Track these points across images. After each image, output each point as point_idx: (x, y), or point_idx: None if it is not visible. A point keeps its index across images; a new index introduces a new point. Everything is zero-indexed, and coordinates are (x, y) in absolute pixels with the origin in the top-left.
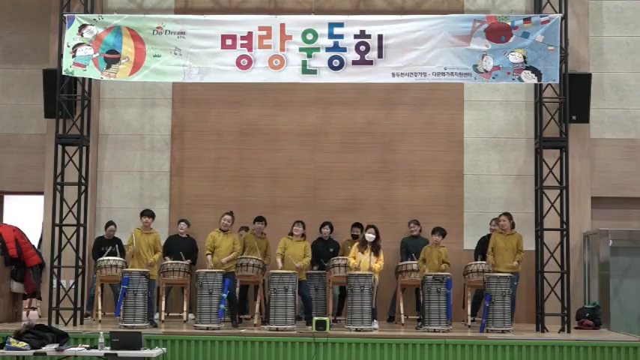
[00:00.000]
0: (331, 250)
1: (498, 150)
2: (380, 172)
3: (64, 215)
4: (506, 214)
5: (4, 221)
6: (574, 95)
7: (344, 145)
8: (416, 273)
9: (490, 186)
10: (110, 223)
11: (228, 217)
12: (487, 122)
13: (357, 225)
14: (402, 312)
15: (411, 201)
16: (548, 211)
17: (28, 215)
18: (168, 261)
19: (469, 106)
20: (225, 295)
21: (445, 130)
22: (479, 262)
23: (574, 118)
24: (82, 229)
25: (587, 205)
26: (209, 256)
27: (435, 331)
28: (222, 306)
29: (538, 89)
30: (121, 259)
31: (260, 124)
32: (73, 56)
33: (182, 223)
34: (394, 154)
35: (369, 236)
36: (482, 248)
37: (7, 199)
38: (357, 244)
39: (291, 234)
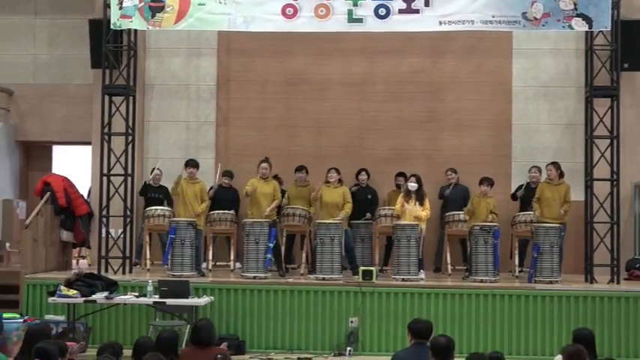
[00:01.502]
0: (369, 196)
1: (547, 99)
2: (426, 121)
3: (111, 165)
4: (554, 163)
5: (53, 171)
6: (626, 43)
7: (390, 94)
8: (463, 223)
9: (539, 135)
10: (156, 169)
11: (264, 164)
12: (536, 71)
13: (401, 175)
14: (448, 262)
15: (458, 151)
16: (598, 161)
17: (76, 165)
18: (215, 212)
19: (518, 54)
20: (271, 245)
21: (493, 79)
22: (527, 212)
23: (625, 66)
24: (129, 178)
25: (638, 155)
26: (248, 188)
27: (482, 281)
28: (268, 255)
29: (589, 37)
30: (168, 208)
31: (306, 74)
32: (120, 8)
33: (225, 177)
34: (441, 103)
35: (412, 185)
36: (515, 194)
37: (55, 149)
38: (401, 194)
39: (327, 182)
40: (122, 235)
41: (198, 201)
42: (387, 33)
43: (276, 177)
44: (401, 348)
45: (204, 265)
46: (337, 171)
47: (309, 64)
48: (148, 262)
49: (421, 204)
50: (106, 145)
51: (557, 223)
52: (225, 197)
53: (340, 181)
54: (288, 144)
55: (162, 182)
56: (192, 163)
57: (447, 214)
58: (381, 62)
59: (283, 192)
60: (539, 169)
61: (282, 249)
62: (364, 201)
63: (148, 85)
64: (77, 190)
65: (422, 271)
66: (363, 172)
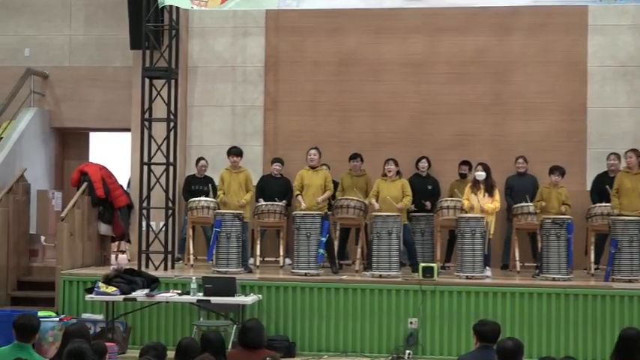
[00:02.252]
0: (429, 187)
1: (627, 79)
2: (492, 104)
3: (152, 153)
4: (634, 150)
5: (90, 160)
6: None
7: (452, 75)
8: (533, 216)
9: (617, 120)
10: (201, 158)
11: (313, 151)
12: (614, 49)
13: (465, 163)
14: (517, 259)
15: (526, 137)
16: None
17: (114, 154)
18: (263, 202)
19: (593, 31)
20: (324, 239)
21: (565, 59)
22: (603, 204)
23: None
24: (171, 167)
25: None
26: (299, 197)
27: (553, 279)
28: (321, 250)
29: None
30: (213, 199)
31: (361, 54)
32: None
33: (276, 163)
34: (507, 84)
35: (479, 174)
36: (598, 187)
37: (93, 136)
38: (469, 185)
39: (385, 175)
40: (164, 229)
41: (243, 191)
42: (449, 8)
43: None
44: (465, 352)
45: (251, 260)
46: (395, 162)
47: (364, 44)
48: (192, 257)
49: (490, 195)
50: (146, 131)
51: (638, 216)
52: (275, 187)
53: (399, 173)
54: (342, 130)
55: (207, 172)
56: (234, 151)
57: (516, 206)
58: (443, 41)
59: (335, 183)
60: (618, 157)
61: (336, 244)
62: (424, 191)
63: (191, 68)
64: (116, 181)
65: (488, 268)
66: (424, 160)
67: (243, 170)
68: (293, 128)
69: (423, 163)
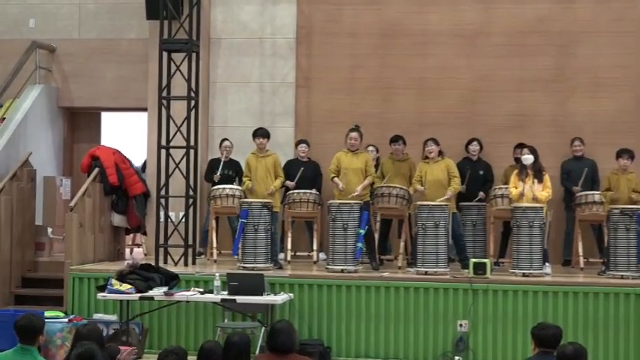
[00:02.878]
0: (481, 172)
1: None
2: (554, 80)
3: (171, 135)
4: None
5: (102, 143)
6: None
7: (509, 48)
8: (599, 206)
9: None
10: (225, 139)
11: (354, 134)
12: None
13: (522, 146)
14: (580, 254)
15: (593, 116)
16: None
17: (129, 136)
18: (295, 190)
19: None
20: (362, 231)
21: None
22: None
23: None
24: (192, 151)
25: None
26: (336, 179)
27: (622, 277)
28: (359, 244)
29: None
30: (238, 187)
31: (405, 24)
32: None
33: (302, 145)
34: (572, 58)
35: (526, 158)
36: None
37: (105, 116)
38: (515, 171)
39: (426, 157)
40: (184, 220)
41: (271, 178)
42: None
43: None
44: (521, 358)
45: (281, 255)
46: (435, 142)
47: (409, 12)
48: (215, 251)
49: (540, 181)
50: (164, 111)
51: None
52: (302, 173)
53: (441, 153)
54: (383, 110)
55: (233, 156)
56: (261, 133)
57: (579, 194)
58: (499, 8)
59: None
60: None
61: (376, 236)
62: (476, 178)
63: (213, 40)
64: (131, 166)
65: (547, 264)
66: (475, 143)
67: (271, 154)
68: (328, 108)
69: (474, 146)
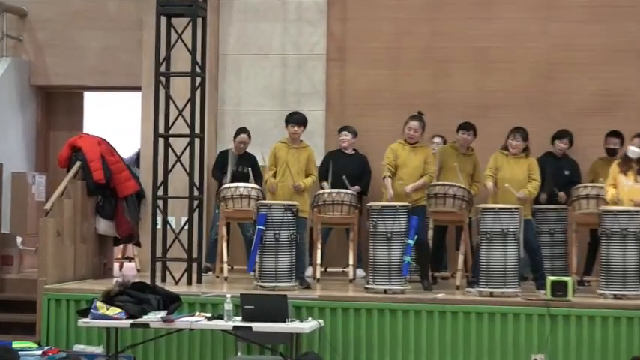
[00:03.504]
0: (566, 172)
1: None
2: None
3: (171, 121)
4: None
5: (85, 130)
6: None
7: (593, 10)
8: None
9: None
10: (241, 130)
11: (415, 123)
12: None
13: (615, 135)
14: None
15: None
16: None
17: (119, 122)
18: (326, 190)
19: None
20: (411, 242)
21: None
22: None
23: None
24: (197, 141)
25: None
26: (388, 180)
27: None
28: (406, 258)
29: None
30: (255, 186)
31: None
32: None
33: (345, 133)
34: None
35: (633, 151)
36: None
37: (88, 97)
38: (616, 162)
39: (506, 148)
40: (187, 227)
41: (302, 175)
42: None
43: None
44: None
45: (309, 271)
46: (523, 135)
47: None
48: (226, 266)
49: None
50: (162, 91)
51: None
52: (347, 168)
53: (526, 150)
54: (435, 87)
55: (249, 149)
56: (296, 120)
57: None
58: None
59: None
60: None
61: (429, 247)
62: (559, 178)
63: (224, 1)
64: (121, 159)
65: None
66: (566, 140)
67: (305, 147)
68: (366, 86)
69: (563, 144)
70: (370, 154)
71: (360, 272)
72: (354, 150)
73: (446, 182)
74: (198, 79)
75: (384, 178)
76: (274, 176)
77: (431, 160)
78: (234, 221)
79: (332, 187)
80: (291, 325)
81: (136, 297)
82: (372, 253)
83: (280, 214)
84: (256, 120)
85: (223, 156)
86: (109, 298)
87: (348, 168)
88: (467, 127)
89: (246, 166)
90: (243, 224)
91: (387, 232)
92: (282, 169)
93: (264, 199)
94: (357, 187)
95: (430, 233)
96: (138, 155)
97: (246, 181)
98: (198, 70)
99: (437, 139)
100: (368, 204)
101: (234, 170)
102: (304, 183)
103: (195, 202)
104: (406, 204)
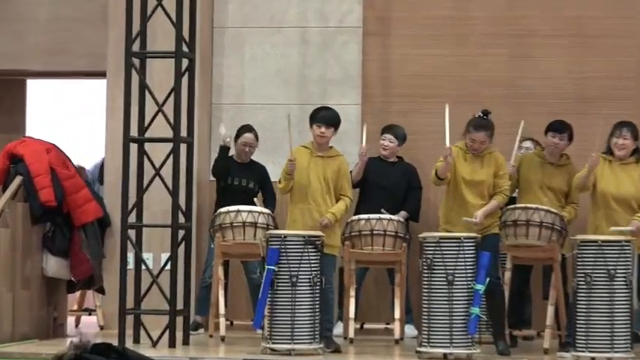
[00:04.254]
0: None
1: None
2: None
3: (147, 120)
4: None
5: (28, 132)
6: None
7: None
8: None
9: None
10: (246, 129)
11: (480, 135)
12: None
13: None
14: None
15: None
16: None
17: (76, 120)
18: (362, 215)
19: None
20: (481, 287)
21: None
22: None
23: None
24: (183, 147)
25: None
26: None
27: None
28: (474, 310)
29: None
30: (263, 209)
31: None
32: None
33: (388, 135)
34: None
35: None
36: None
37: (32, 85)
38: None
39: (609, 152)
40: (169, 267)
41: (331, 195)
42: None
43: None
44: None
45: (338, 328)
46: (633, 131)
47: None
48: (223, 322)
49: None
50: (136, 78)
51: None
52: (389, 181)
53: (637, 152)
54: (513, 72)
55: (255, 155)
56: (325, 117)
57: None
58: None
59: None
60: None
61: (506, 296)
62: None
63: None
64: (77, 172)
65: None
66: None
67: (336, 156)
68: (418, 71)
69: None
70: (421, 164)
71: (410, 330)
72: (399, 157)
73: (529, 204)
74: (185, 62)
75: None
76: (290, 190)
77: (504, 172)
78: (234, 259)
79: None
80: None
81: None
82: (427, 303)
83: (299, 248)
84: (265, 118)
85: (222, 159)
86: None
87: (389, 183)
88: (559, 127)
89: (251, 180)
90: (247, 263)
91: (447, 274)
92: (303, 184)
93: (276, 227)
94: (403, 213)
95: (507, 275)
96: (102, 167)
97: (252, 201)
98: (185, 49)
99: (527, 143)
100: (420, 235)
101: (236, 185)
102: (333, 213)
103: (181, 233)
104: (474, 235)
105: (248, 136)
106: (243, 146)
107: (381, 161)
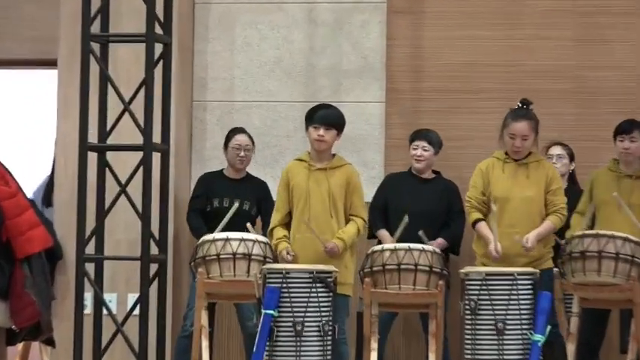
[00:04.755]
0: None
1: None
2: None
3: (110, 123)
4: None
5: None
6: None
7: None
8: None
9: None
10: (237, 130)
11: (520, 125)
12: None
13: None
14: None
15: None
16: None
17: (17, 122)
18: (388, 245)
19: None
20: (540, 338)
21: None
22: None
23: None
24: (156, 157)
25: None
26: (483, 226)
27: None
28: None
29: None
30: (259, 237)
31: None
32: None
33: (421, 143)
34: None
35: None
36: None
37: None
38: None
39: None
40: (138, 310)
41: (337, 217)
42: None
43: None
44: None
45: None
46: None
47: None
48: None
49: None
50: (95, 68)
51: None
52: (424, 201)
53: None
54: (580, 60)
55: (250, 168)
56: (322, 117)
57: None
58: None
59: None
60: None
61: (570, 349)
62: None
63: None
64: (20, 191)
65: None
66: None
67: (341, 166)
68: (455, 58)
69: None
70: (463, 180)
71: None
72: (435, 172)
73: (601, 231)
74: (158, 48)
75: (474, 223)
76: (287, 227)
77: (559, 186)
78: (223, 301)
79: (397, 239)
80: None
81: None
82: (470, 357)
83: (305, 287)
84: (262, 120)
85: (207, 183)
86: None
87: (424, 208)
88: (627, 127)
89: (247, 201)
90: (239, 306)
91: (496, 321)
92: (302, 207)
93: (275, 260)
94: (440, 241)
95: (573, 322)
96: (51, 183)
97: (244, 227)
98: (158, 30)
99: (556, 149)
100: (461, 270)
101: (227, 208)
102: (342, 238)
103: (154, 267)
104: (531, 270)
105: (241, 138)
106: (235, 150)
107: (411, 177)
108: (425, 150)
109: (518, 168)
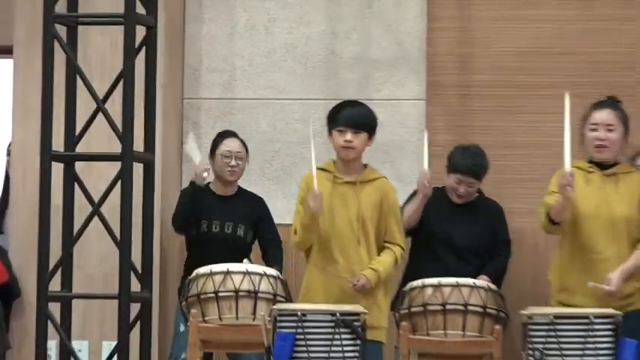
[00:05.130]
0: None
1: None
2: None
3: (80, 126)
4: None
5: None
6: None
7: None
8: None
9: None
10: (227, 134)
11: (603, 114)
12: None
13: None
14: None
15: None
16: None
17: None
18: (427, 280)
19: None
20: None
21: None
22: None
23: None
24: (137, 168)
25: None
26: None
27: None
28: None
29: None
30: (267, 270)
31: None
32: None
33: (465, 178)
34: None
35: None
36: None
37: None
38: None
39: None
40: (115, 359)
41: (370, 244)
42: None
43: None
44: None
45: None
46: None
47: None
48: None
49: None
50: (61, 57)
51: None
52: (461, 219)
53: None
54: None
55: (254, 182)
56: (349, 117)
57: None
58: None
59: None
60: None
61: None
62: None
63: None
64: None
65: None
66: None
67: (375, 179)
68: (514, 45)
69: None
70: (514, 199)
71: None
72: (480, 191)
73: None
74: (140, 32)
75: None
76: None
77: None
78: (221, 351)
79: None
80: None
81: None
82: None
83: (326, 333)
84: (270, 121)
85: (194, 197)
86: None
87: (463, 228)
88: None
89: (241, 224)
90: (240, 358)
91: None
92: (322, 230)
93: (288, 298)
94: (484, 279)
95: None
96: (5, 202)
97: (246, 255)
98: (140, 10)
99: None
100: (523, 312)
101: (216, 233)
102: (377, 269)
103: (135, 308)
104: (611, 312)
105: (233, 146)
106: (226, 158)
107: (447, 197)
108: (470, 186)
109: (605, 180)
